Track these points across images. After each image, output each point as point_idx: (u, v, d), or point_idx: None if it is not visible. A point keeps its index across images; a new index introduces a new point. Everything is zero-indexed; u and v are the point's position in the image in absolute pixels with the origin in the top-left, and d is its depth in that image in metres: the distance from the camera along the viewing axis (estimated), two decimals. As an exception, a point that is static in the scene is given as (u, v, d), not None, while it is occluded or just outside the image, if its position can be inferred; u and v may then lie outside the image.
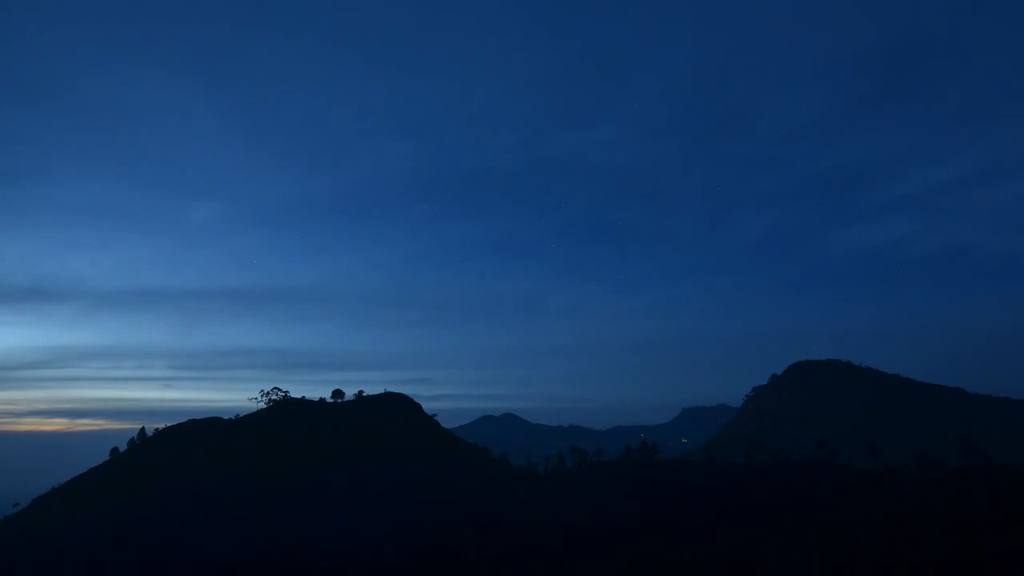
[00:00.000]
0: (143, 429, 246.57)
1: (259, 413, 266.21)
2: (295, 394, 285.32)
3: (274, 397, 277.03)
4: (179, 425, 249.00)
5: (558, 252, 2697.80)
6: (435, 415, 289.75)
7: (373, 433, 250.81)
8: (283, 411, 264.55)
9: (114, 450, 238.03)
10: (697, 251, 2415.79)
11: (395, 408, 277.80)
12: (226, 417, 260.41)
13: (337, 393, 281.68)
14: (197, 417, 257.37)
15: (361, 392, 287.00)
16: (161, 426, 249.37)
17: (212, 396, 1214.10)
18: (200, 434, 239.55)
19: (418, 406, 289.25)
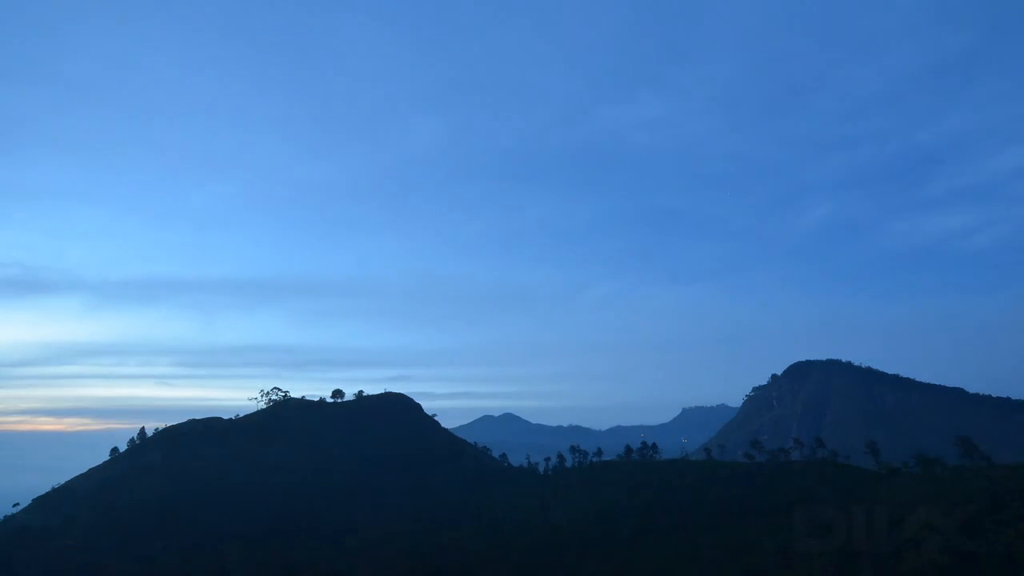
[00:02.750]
0: (143, 429, 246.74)
1: (259, 413, 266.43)
2: (299, 393, 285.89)
3: (274, 397, 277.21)
4: (179, 425, 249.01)
5: (600, 240, 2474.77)
6: (435, 415, 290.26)
7: (372, 433, 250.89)
8: (282, 411, 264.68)
9: (114, 450, 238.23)
10: (745, 242, 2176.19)
11: (395, 408, 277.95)
12: (227, 417, 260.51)
13: (337, 393, 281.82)
14: (198, 417, 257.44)
15: (361, 392, 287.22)
16: (161, 426, 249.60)
17: (221, 395, 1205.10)
18: (199, 434, 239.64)
19: (418, 406, 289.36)
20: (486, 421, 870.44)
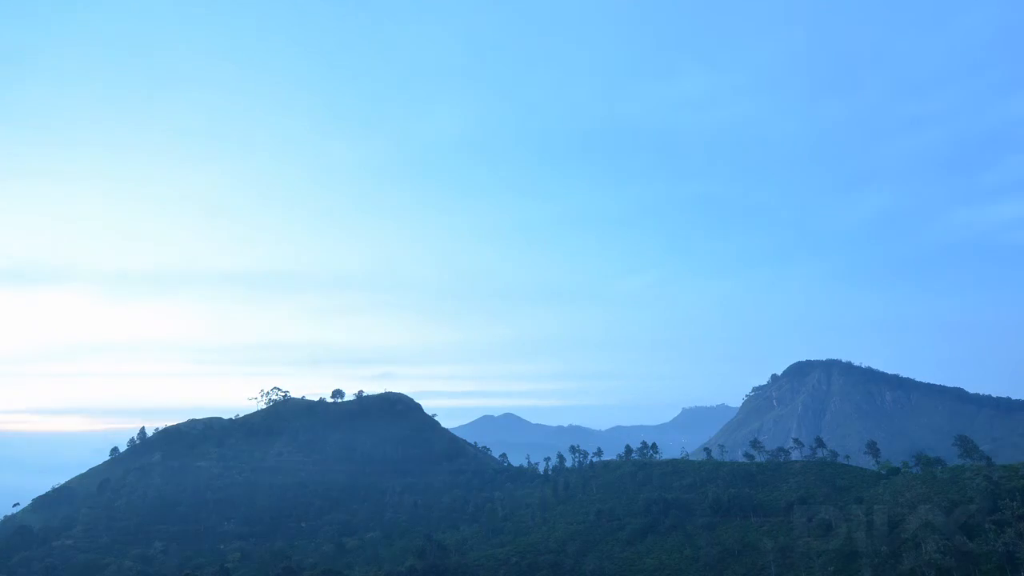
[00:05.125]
0: (143, 429, 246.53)
1: (259, 413, 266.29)
2: (299, 392, 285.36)
3: (274, 397, 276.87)
4: (179, 425, 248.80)
5: (631, 231, 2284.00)
6: (435, 415, 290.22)
7: (372, 434, 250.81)
8: (282, 411, 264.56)
9: (114, 450, 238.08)
10: (788, 232, 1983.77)
11: (394, 408, 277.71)
12: (227, 417, 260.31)
13: (337, 393, 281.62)
14: (198, 417, 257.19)
15: (361, 392, 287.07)
16: (161, 426, 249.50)
17: (227, 392, 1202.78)
18: (199, 434, 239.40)
19: (418, 406, 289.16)
20: (486, 421, 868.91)
